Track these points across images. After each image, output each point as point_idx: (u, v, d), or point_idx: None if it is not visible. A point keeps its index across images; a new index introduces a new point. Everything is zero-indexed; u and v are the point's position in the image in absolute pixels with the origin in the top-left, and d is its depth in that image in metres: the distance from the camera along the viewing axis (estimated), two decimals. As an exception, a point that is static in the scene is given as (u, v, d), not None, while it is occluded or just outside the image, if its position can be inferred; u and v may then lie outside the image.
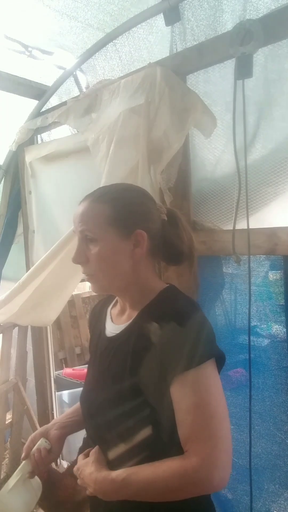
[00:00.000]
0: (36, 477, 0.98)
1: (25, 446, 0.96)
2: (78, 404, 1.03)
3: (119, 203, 0.82)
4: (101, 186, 1.30)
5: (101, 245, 0.79)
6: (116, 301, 0.96)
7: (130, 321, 0.84)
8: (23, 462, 0.96)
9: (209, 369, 0.70)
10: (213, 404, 0.68)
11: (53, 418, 2.25)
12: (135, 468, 0.73)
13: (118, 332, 0.86)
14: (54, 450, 0.96)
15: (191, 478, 0.65)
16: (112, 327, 0.89)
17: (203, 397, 0.68)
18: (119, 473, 0.73)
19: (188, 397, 0.68)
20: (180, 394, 0.69)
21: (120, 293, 0.89)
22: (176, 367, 0.69)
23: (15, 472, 0.95)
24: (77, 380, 2.71)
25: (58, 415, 2.15)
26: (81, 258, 0.81)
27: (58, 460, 2.29)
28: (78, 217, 0.82)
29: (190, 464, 0.65)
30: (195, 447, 0.66)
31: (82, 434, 1.01)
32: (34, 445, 0.96)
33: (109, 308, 0.97)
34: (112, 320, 0.92)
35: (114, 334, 0.87)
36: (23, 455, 0.96)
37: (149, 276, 0.86)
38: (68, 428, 1.00)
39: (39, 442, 0.96)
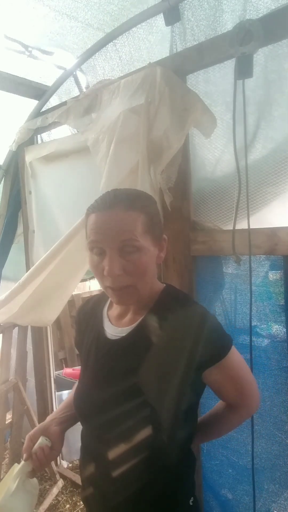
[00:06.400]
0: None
1: (24, 447, 0.95)
2: (68, 399, 1.04)
3: (150, 210, 0.80)
4: (101, 186, 1.31)
5: (144, 254, 0.76)
6: (112, 302, 0.94)
7: (137, 323, 0.83)
8: (23, 462, 0.94)
9: (233, 345, 0.83)
10: (245, 367, 0.86)
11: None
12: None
13: (123, 334, 0.84)
14: (56, 447, 0.95)
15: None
16: (114, 330, 0.88)
17: (242, 367, 0.84)
18: None
19: (235, 371, 0.83)
20: (222, 376, 0.81)
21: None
22: (215, 354, 0.78)
23: (14, 474, 0.93)
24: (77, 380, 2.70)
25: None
26: (120, 270, 0.74)
27: (58, 460, 2.30)
28: (113, 228, 0.74)
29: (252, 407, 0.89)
30: (247, 399, 0.87)
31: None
32: (33, 444, 0.94)
33: (104, 309, 0.94)
34: (111, 322, 0.90)
35: (118, 337, 0.85)
36: (25, 456, 0.93)
37: (155, 279, 0.87)
38: (67, 423, 0.99)
39: (39, 441, 0.94)
